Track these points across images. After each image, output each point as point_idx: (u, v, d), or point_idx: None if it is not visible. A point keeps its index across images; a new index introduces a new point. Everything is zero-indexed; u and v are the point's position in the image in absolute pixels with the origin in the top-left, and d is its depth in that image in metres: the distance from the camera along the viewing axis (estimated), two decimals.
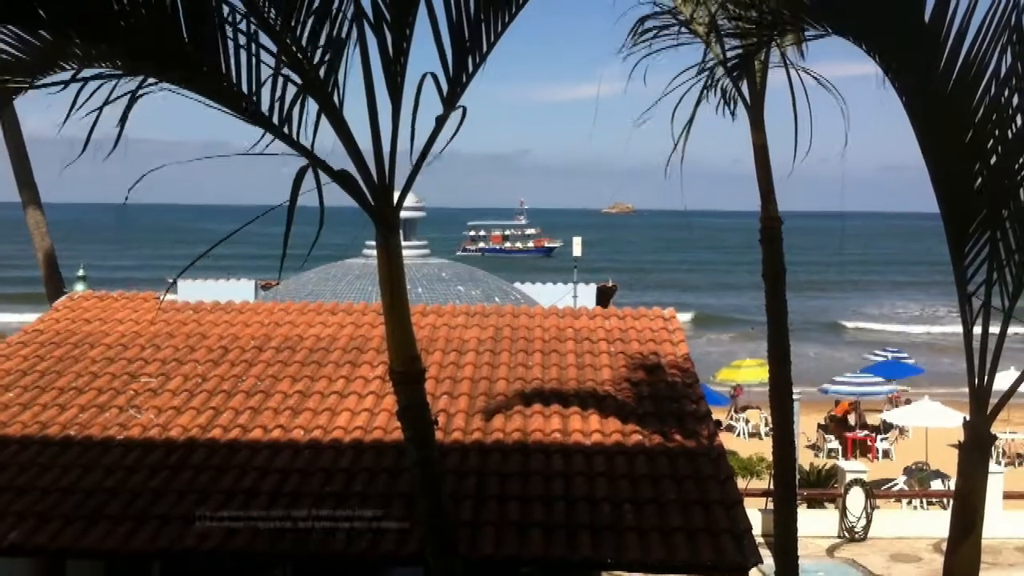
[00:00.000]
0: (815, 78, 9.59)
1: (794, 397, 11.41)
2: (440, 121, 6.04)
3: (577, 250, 30.71)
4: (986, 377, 6.76)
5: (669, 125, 8.36)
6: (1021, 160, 6.51)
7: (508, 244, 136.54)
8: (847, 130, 8.84)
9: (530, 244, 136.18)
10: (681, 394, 11.79)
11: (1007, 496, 21.94)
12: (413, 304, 8.69)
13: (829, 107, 9.30)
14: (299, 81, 5.83)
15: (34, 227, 19.30)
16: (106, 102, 5.28)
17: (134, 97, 5.32)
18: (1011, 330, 6.77)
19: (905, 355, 43.13)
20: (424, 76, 5.87)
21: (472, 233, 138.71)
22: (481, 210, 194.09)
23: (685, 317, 66.90)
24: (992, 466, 21.06)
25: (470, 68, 6.20)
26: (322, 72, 5.87)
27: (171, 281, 17.92)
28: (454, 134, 6.04)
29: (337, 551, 8.75)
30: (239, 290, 23.04)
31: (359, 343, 13.19)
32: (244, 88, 5.76)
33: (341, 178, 5.83)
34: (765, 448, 20.34)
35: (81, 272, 21.63)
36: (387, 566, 9.26)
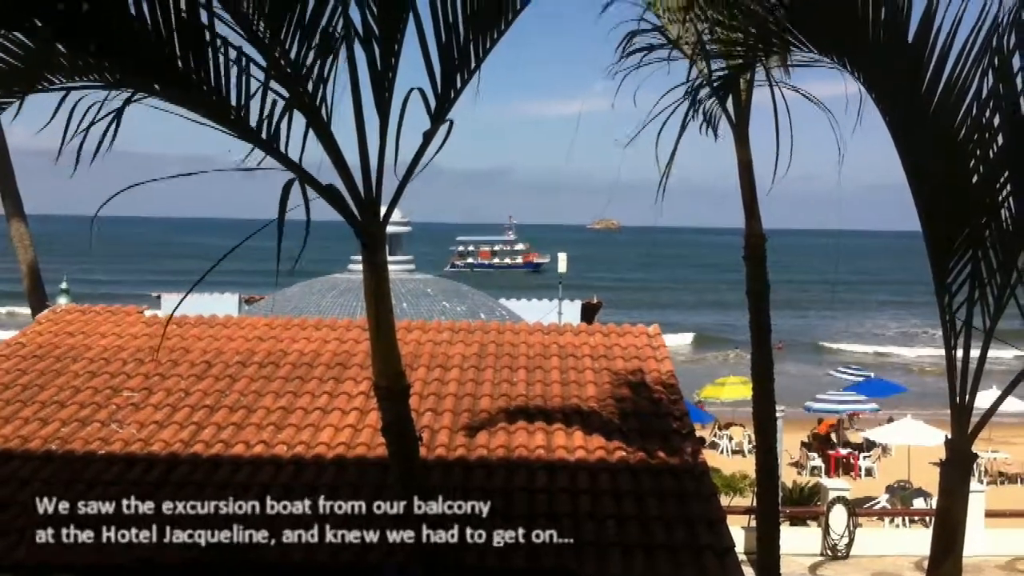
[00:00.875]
0: (804, 95, 9.60)
1: (777, 415, 11.45)
2: (428, 136, 6.04)
3: (562, 266, 30.78)
4: (967, 396, 6.79)
5: (656, 139, 8.33)
6: (1003, 179, 6.57)
7: (497, 260, 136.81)
8: (841, 147, 8.80)
9: (519, 259, 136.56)
10: (665, 411, 11.79)
11: (989, 514, 22.04)
12: (398, 320, 8.67)
13: (814, 126, 9.33)
14: (287, 95, 5.84)
15: (18, 240, 19.17)
16: (98, 117, 5.27)
17: (122, 110, 5.31)
18: (992, 351, 6.81)
19: (869, 374, 43.19)
20: (410, 92, 5.88)
21: (461, 248, 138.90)
22: (471, 226, 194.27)
23: (687, 339, 67.49)
24: (974, 484, 21.14)
25: (458, 84, 6.22)
26: (310, 86, 5.88)
27: (156, 296, 17.89)
28: (440, 147, 6.04)
29: (322, 562, 8.70)
30: (223, 304, 22.98)
31: (343, 359, 13.15)
32: (232, 102, 5.76)
33: (328, 193, 5.82)
34: (748, 466, 20.38)
35: (64, 285, 21.53)
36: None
